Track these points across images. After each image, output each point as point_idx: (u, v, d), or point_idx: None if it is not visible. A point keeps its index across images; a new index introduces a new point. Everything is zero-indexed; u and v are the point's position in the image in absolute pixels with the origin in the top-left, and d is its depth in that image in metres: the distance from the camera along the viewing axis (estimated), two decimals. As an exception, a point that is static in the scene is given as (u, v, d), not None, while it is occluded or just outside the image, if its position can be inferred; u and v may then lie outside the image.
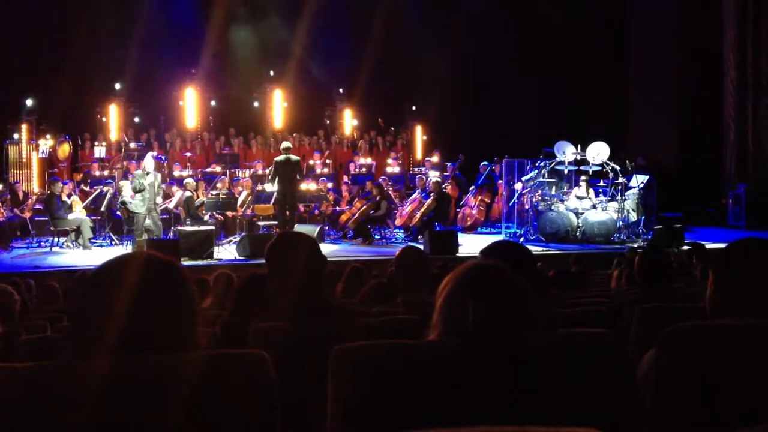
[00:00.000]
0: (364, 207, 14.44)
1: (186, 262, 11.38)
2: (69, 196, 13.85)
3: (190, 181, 14.38)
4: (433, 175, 15.52)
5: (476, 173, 16.61)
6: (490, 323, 1.79)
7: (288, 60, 19.31)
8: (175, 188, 14.50)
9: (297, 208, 13.95)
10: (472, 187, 16.33)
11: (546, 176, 14.17)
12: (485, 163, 16.43)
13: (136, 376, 1.56)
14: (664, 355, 1.86)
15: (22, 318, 5.11)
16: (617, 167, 13.99)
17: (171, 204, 14.05)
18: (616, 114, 19.55)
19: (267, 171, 14.73)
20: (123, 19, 17.63)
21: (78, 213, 13.60)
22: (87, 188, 15.19)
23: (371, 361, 1.71)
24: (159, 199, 13.05)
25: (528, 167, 14.71)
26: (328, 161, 17.86)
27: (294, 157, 13.50)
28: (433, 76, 18.41)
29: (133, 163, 15.95)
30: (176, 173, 15.97)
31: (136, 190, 12.66)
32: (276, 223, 13.72)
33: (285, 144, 13.85)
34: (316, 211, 14.99)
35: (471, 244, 13.13)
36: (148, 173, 12.73)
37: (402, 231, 15.11)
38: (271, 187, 13.68)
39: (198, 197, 14.32)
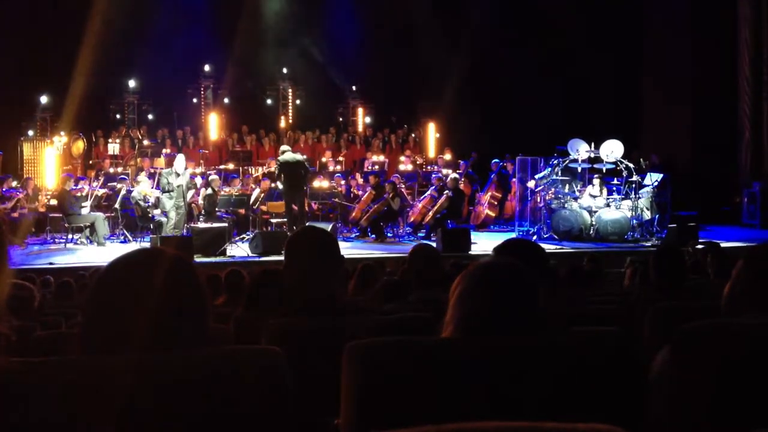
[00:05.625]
0: (377, 205, 14.42)
1: (199, 259, 11.41)
2: (83, 193, 13.93)
3: (215, 177, 14.38)
4: (447, 173, 15.52)
5: (488, 171, 16.59)
6: (503, 321, 1.79)
7: (301, 58, 19.35)
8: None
9: (305, 204, 13.93)
10: (485, 185, 16.32)
11: (559, 174, 14.12)
12: (496, 160, 16.38)
13: (148, 372, 1.56)
14: (678, 354, 1.85)
15: (38, 314, 5.14)
16: (631, 165, 13.92)
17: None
18: (630, 112, 19.46)
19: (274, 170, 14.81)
20: (137, 16, 17.70)
21: (88, 210, 13.68)
22: (99, 180, 15.27)
23: (384, 358, 1.71)
24: (188, 196, 13.29)
25: (541, 165, 14.67)
26: (340, 159, 17.88)
27: (298, 156, 13.53)
28: (446, 74, 18.38)
29: (147, 159, 16.02)
30: (189, 170, 16.00)
31: (164, 191, 12.78)
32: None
33: (283, 147, 13.91)
34: (331, 214, 14.96)
35: (484, 242, 13.11)
36: (178, 175, 12.88)
37: (414, 228, 15.10)
38: (279, 186, 13.72)
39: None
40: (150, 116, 19.38)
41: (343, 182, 15.81)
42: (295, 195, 13.28)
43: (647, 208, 14.15)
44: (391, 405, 1.67)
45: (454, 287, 1.89)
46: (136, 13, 17.72)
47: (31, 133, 17.22)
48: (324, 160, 17.31)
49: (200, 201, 14.05)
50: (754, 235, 14.78)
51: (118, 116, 18.94)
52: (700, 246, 11.77)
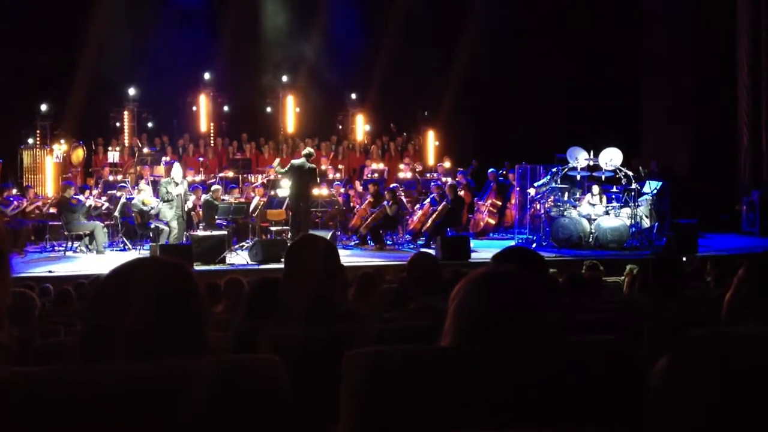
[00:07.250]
0: (376, 212, 14.41)
1: (198, 267, 11.40)
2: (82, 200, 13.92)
3: (217, 187, 14.33)
4: (447, 181, 15.52)
5: (486, 180, 16.60)
6: (503, 329, 1.79)
7: (300, 65, 19.38)
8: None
9: (310, 213, 13.93)
10: (482, 194, 16.33)
11: (558, 182, 14.12)
12: (492, 170, 16.38)
13: (147, 381, 1.56)
14: (678, 362, 1.85)
15: (37, 322, 5.13)
16: (630, 173, 13.93)
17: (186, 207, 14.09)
18: (629, 119, 19.48)
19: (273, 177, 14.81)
20: (137, 24, 17.74)
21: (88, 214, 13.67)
22: (99, 189, 15.29)
23: (383, 367, 1.71)
24: (188, 205, 13.29)
25: (541, 173, 14.68)
26: (340, 166, 17.88)
27: (310, 165, 13.49)
28: (445, 81, 18.41)
29: (146, 167, 16.01)
30: (189, 178, 16.00)
31: (164, 200, 12.78)
32: (288, 228, 13.75)
33: (308, 150, 13.88)
34: (331, 222, 14.95)
35: (483, 250, 13.10)
36: (177, 184, 12.88)
37: (414, 236, 15.08)
38: (282, 180, 13.69)
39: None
40: (150, 124, 19.37)
41: (342, 190, 15.80)
42: (300, 201, 13.28)
43: (646, 216, 14.15)
44: (390, 413, 1.67)
45: (453, 295, 1.89)
46: (136, 21, 17.75)
47: (30, 141, 17.22)
48: (323, 167, 17.31)
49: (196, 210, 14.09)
50: (753, 243, 14.77)
51: (117, 124, 18.93)
52: (699, 254, 11.79)
